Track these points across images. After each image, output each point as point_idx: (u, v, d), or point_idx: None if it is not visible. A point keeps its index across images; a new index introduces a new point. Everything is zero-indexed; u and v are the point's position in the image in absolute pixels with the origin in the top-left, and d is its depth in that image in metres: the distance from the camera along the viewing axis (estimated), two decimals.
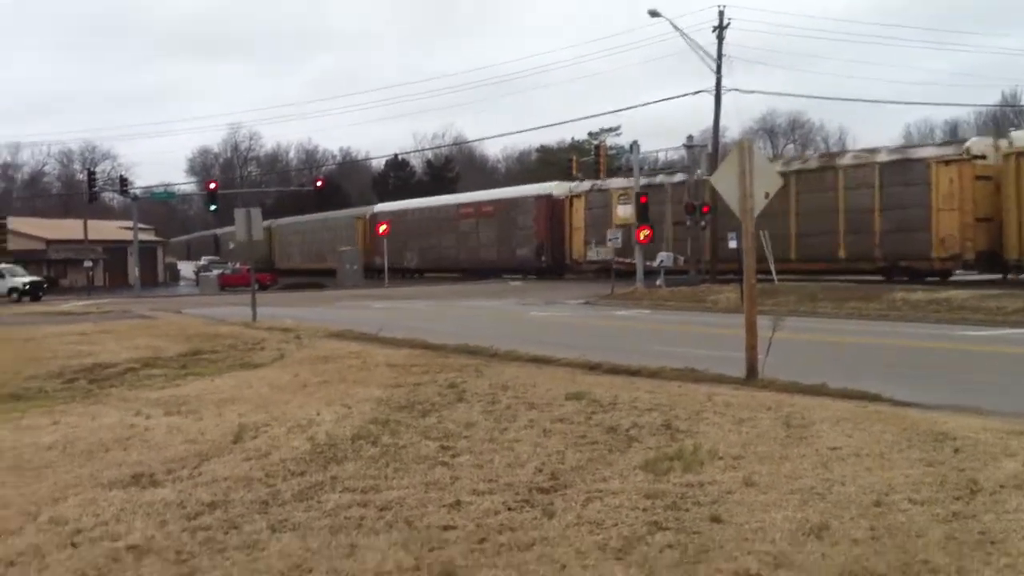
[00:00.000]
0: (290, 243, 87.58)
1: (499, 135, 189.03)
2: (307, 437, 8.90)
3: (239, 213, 28.25)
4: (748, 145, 12.75)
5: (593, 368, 13.92)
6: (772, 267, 35.72)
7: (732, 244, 39.20)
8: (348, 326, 22.78)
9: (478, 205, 64.79)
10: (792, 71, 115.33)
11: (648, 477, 7.07)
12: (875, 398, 10.64)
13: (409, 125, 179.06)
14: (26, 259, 61.35)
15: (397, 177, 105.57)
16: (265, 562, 5.39)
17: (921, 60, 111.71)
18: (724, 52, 43.88)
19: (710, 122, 46.52)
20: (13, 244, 55.31)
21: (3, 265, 52.34)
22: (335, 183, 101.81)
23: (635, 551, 5.44)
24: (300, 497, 6.77)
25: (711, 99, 44.58)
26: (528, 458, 7.81)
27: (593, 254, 51.31)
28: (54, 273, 68.43)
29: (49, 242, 70.23)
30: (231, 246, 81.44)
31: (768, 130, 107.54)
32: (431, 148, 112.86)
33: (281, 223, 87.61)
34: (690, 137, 48.21)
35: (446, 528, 5.96)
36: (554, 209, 57.07)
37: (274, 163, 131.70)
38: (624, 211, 48.09)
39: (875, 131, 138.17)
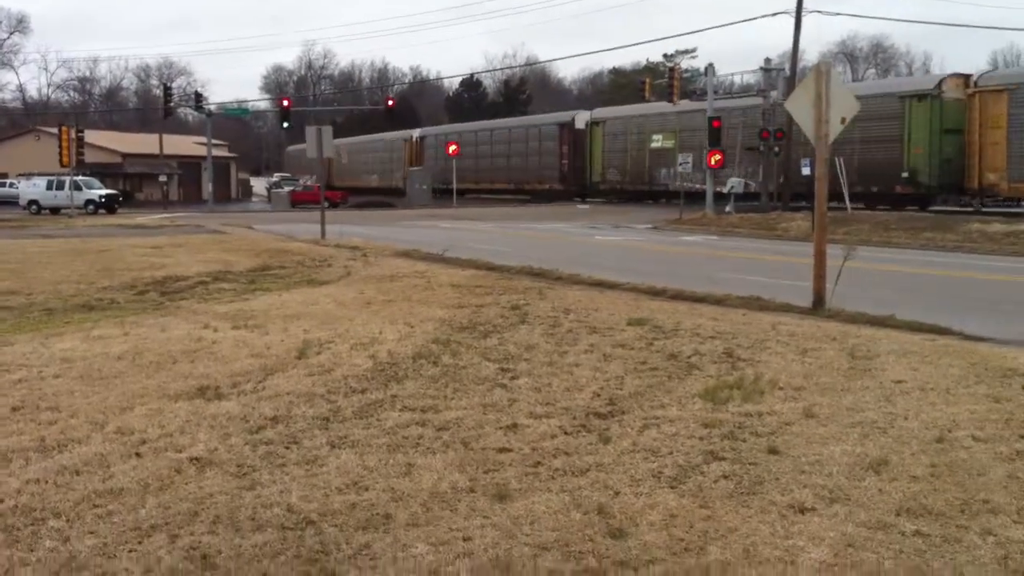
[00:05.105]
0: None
1: (570, 56, 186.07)
2: (369, 355, 8.99)
3: (310, 131, 28.41)
4: (825, 68, 12.35)
5: (657, 293, 13.83)
6: (846, 194, 34.99)
7: (805, 171, 38.42)
8: (414, 245, 22.90)
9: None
10: None
11: (707, 406, 7.03)
12: (944, 331, 10.44)
13: (482, 44, 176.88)
14: (103, 172, 62.20)
15: (470, 98, 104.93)
16: (323, 478, 5.47)
17: None
18: None
19: (788, 47, 45.08)
20: (90, 157, 55.72)
21: (80, 177, 53.14)
22: (407, 103, 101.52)
23: (689, 480, 5.43)
24: (360, 414, 6.85)
25: (791, 22, 43.28)
26: (587, 383, 7.81)
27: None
28: (130, 187, 69.40)
29: (125, 156, 71.10)
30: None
31: (848, 54, 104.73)
32: (503, 68, 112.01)
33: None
34: (767, 60, 46.98)
35: (502, 450, 5.98)
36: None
37: (347, 82, 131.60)
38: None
39: (962, 58, 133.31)
